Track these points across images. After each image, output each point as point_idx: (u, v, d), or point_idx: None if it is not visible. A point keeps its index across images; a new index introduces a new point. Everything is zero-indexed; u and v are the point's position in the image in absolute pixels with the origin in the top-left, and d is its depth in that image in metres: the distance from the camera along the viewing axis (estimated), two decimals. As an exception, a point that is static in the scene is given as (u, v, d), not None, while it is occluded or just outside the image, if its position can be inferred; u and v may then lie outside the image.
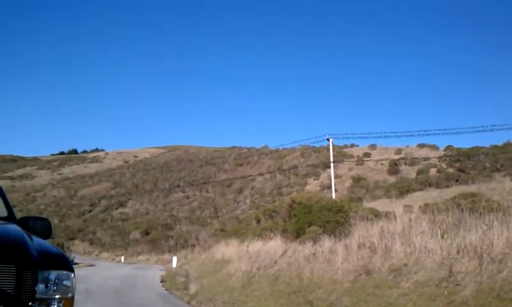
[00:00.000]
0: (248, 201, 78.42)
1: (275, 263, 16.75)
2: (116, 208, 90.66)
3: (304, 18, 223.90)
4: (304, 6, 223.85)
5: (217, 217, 71.14)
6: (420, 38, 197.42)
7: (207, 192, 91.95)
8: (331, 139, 37.81)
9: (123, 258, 52.25)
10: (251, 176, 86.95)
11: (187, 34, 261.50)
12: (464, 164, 61.73)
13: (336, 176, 52.93)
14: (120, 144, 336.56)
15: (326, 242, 15.12)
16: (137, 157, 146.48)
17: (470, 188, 39.23)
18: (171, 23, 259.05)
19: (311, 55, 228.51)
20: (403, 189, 50.37)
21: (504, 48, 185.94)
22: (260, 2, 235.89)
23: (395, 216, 16.20)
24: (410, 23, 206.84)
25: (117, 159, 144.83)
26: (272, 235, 20.85)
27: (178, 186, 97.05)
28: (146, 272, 32.72)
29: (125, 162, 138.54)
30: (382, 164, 72.72)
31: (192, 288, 19.05)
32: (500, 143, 68.19)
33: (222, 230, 43.53)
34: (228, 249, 24.14)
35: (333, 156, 42.02)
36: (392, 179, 64.79)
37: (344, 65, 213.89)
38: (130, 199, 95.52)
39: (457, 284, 9.29)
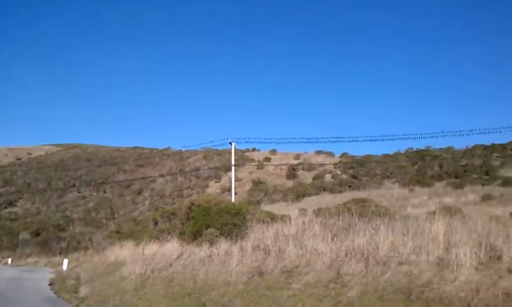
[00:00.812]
0: (146, 202, 76.93)
1: (170, 265, 16.54)
2: (5, 207, 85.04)
3: (211, 20, 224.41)
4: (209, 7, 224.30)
5: (114, 218, 69.10)
6: (321, 50, 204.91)
7: (105, 192, 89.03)
8: (233, 143, 38.02)
9: (10, 260, 49.07)
10: (151, 177, 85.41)
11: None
12: (358, 171, 64.95)
13: (237, 180, 53.41)
14: (12, 140, 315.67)
15: (223, 245, 15.17)
16: (30, 154, 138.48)
17: (362, 194, 41.39)
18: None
19: (216, 57, 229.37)
20: (300, 193, 51.94)
21: (396, 60, 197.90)
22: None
23: (290, 219, 16.64)
24: (310, 39, 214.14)
25: (8, 156, 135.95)
26: (169, 237, 20.61)
27: (74, 186, 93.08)
28: (35, 274, 30.95)
29: (18, 159, 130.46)
30: (281, 169, 74.51)
31: (83, 291, 18.33)
32: (390, 152, 72.69)
33: (118, 232, 42.41)
34: (122, 252, 23.52)
35: (235, 159, 42.35)
36: (289, 183, 66.57)
37: (250, 68, 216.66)
38: (20, 198, 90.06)
39: (344, 286, 9.69)
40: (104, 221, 66.14)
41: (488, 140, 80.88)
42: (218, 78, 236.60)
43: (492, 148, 65.56)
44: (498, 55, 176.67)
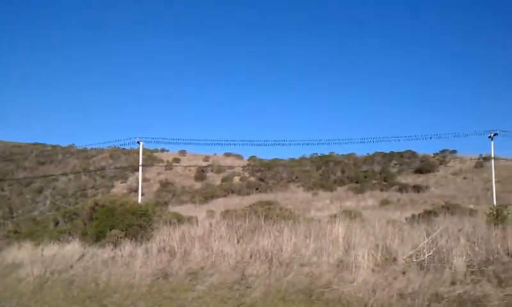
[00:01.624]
0: (47, 202, 73.38)
1: (71, 267, 15.91)
2: None
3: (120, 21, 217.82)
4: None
5: (12, 217, 65.20)
6: (240, 51, 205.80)
7: (2, 190, 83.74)
8: (141, 142, 37.17)
9: None
10: (53, 175, 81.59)
11: None
12: (265, 174, 66.11)
13: (144, 180, 52.46)
14: None
15: (127, 246, 14.84)
16: None
17: (268, 196, 42.24)
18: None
19: (124, 55, 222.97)
20: (208, 195, 51.98)
21: (302, 70, 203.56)
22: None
23: (197, 221, 16.63)
24: (224, 41, 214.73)
25: None
26: (70, 238, 19.83)
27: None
28: None
29: None
30: (190, 170, 74.13)
31: (-26, 294, 17.12)
32: (296, 157, 74.75)
33: (16, 232, 40.04)
34: (21, 252, 22.25)
35: (143, 160, 41.47)
36: (198, 185, 66.41)
37: (159, 66, 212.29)
38: None
39: (248, 287, 9.85)
40: (1, 220, 62.23)
41: (386, 148, 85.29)
42: (127, 75, 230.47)
43: (391, 155, 69.14)
44: (402, 65, 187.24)
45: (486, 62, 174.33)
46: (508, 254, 9.77)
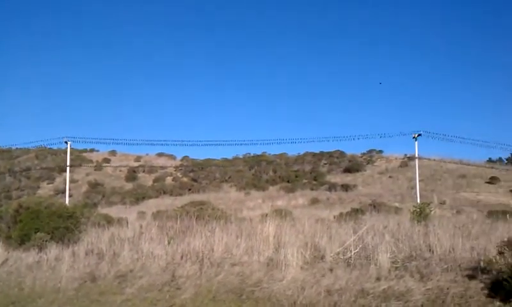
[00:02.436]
0: (-33, 204, 69.47)
1: (-7, 273, 15.20)
2: None
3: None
4: None
5: None
6: (164, 51, 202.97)
7: None
8: (69, 142, 36.03)
9: None
10: (-27, 176, 77.38)
11: None
12: (198, 174, 65.82)
13: (72, 181, 50.87)
14: None
15: (53, 250, 14.35)
16: None
17: (201, 196, 42.06)
18: None
19: (48, 49, 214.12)
20: (139, 196, 51.08)
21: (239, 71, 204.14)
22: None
23: (127, 222, 16.34)
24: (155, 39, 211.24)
25: None
26: (-8, 242, 18.91)
27: None
28: None
29: None
30: (120, 171, 72.51)
31: None
32: (229, 157, 74.94)
33: None
34: None
35: (71, 160, 40.24)
36: (129, 186, 65.09)
37: (92, 66, 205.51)
38: None
39: (178, 288, 9.81)
40: None
41: (316, 148, 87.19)
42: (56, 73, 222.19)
43: (320, 155, 70.68)
44: (330, 66, 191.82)
45: (410, 65, 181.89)
46: (430, 250, 10.25)
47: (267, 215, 16.47)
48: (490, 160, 69.55)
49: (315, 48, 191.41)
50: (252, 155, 75.46)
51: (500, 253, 8.72)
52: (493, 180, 48.72)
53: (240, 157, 76.96)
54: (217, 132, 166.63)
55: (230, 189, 54.97)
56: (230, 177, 62.38)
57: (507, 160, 79.51)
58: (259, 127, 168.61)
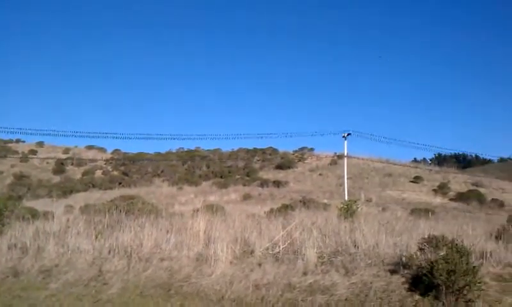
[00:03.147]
0: None
1: None
2: None
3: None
4: None
5: None
6: (99, 48, 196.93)
7: None
8: (-8, 132, 34.33)
9: None
10: None
11: None
12: (129, 168, 64.53)
13: (-6, 172, 48.44)
14: None
15: (-28, 244, 13.68)
16: None
17: (132, 191, 41.31)
18: None
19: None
20: (67, 189, 49.47)
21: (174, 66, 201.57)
22: None
23: (54, 216, 15.80)
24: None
25: None
26: None
27: None
28: None
29: None
30: (48, 163, 69.90)
31: None
32: (162, 151, 73.96)
33: None
34: None
35: (-7, 150, 38.36)
36: (57, 178, 62.87)
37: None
38: None
39: (105, 283, 9.65)
40: None
41: (250, 144, 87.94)
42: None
43: (254, 151, 71.16)
44: (268, 64, 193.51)
45: (340, 68, 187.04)
46: (355, 245, 10.63)
47: (198, 210, 16.46)
48: (415, 160, 72.78)
49: (235, 44, 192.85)
50: (186, 149, 74.93)
51: (421, 249, 9.21)
52: (417, 179, 50.88)
53: (174, 151, 76.14)
54: (151, 126, 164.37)
55: (162, 184, 54.28)
56: (162, 171, 61.56)
57: (430, 160, 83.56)
58: (193, 122, 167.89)
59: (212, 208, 19.06)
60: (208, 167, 65.22)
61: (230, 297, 8.70)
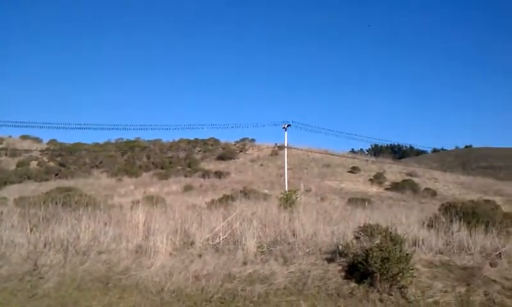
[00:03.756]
0: None
1: None
2: None
3: None
4: None
5: None
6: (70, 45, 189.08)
7: None
8: None
9: None
10: None
11: None
12: (66, 159, 62.68)
13: None
14: None
15: None
16: None
17: (69, 182, 40.23)
18: None
19: None
20: (1, 181, 47.52)
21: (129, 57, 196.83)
22: None
23: (-14, 210, 15.24)
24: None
25: None
26: None
27: None
28: None
29: None
30: (-21, 153, 66.85)
31: None
32: (101, 141, 72.26)
33: None
34: None
35: None
36: (-11, 170, 60.26)
37: None
38: None
39: (40, 277, 9.44)
40: None
41: (191, 135, 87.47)
42: None
43: (195, 142, 70.87)
44: (211, 56, 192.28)
45: (282, 62, 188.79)
46: (294, 235, 10.87)
47: (138, 202, 16.31)
48: (353, 151, 74.82)
49: (181, 32, 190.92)
50: (125, 140, 73.47)
51: (357, 238, 9.54)
52: (354, 170, 52.34)
53: (113, 141, 74.45)
54: (90, 116, 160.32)
55: (101, 175, 53.09)
56: (101, 162, 60.19)
57: (367, 151, 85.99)
58: (133, 112, 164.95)
59: (152, 200, 18.94)
60: (148, 158, 64.34)
61: (170, 289, 8.71)
